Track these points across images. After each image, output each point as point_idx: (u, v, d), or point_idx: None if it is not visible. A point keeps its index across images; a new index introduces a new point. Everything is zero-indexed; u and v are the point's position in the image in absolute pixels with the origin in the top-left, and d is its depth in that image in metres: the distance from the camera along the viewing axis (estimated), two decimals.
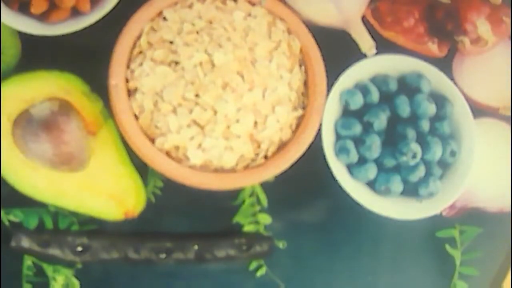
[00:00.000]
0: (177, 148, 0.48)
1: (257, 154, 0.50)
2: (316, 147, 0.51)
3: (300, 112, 0.51)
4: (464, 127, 0.55)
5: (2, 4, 0.50)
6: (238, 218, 0.54)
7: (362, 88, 0.53)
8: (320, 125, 0.51)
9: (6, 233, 0.50)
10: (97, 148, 0.50)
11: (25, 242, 0.50)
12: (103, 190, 0.50)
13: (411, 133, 0.53)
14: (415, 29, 0.57)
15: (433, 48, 0.57)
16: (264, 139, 0.49)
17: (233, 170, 0.49)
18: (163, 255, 0.51)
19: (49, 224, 0.51)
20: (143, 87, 0.49)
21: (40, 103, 0.49)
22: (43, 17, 0.51)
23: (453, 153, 0.54)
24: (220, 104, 0.48)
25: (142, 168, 0.51)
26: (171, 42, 0.50)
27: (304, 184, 0.55)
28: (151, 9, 0.51)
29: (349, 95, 0.53)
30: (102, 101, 0.50)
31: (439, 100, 0.54)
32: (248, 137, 0.49)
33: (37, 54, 0.53)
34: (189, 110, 0.48)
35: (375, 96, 0.53)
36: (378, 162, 0.53)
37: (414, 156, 0.52)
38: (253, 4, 0.52)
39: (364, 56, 0.55)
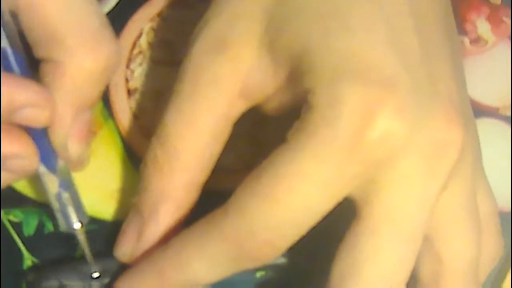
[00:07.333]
0: None
1: (257, 154, 0.50)
2: None
3: None
4: None
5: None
6: None
7: None
8: None
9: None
10: (97, 147, 0.50)
11: None
12: (103, 190, 0.50)
13: None
14: None
15: None
16: (264, 138, 0.49)
17: (233, 170, 0.49)
18: None
19: (49, 224, 0.51)
20: (143, 87, 0.49)
21: None
22: None
23: None
24: None
25: None
26: (171, 42, 0.50)
27: None
28: (151, 9, 0.51)
29: None
30: (102, 101, 0.50)
31: None
32: (248, 136, 0.49)
33: None
34: None
35: None
36: None
37: None
38: None
39: None
